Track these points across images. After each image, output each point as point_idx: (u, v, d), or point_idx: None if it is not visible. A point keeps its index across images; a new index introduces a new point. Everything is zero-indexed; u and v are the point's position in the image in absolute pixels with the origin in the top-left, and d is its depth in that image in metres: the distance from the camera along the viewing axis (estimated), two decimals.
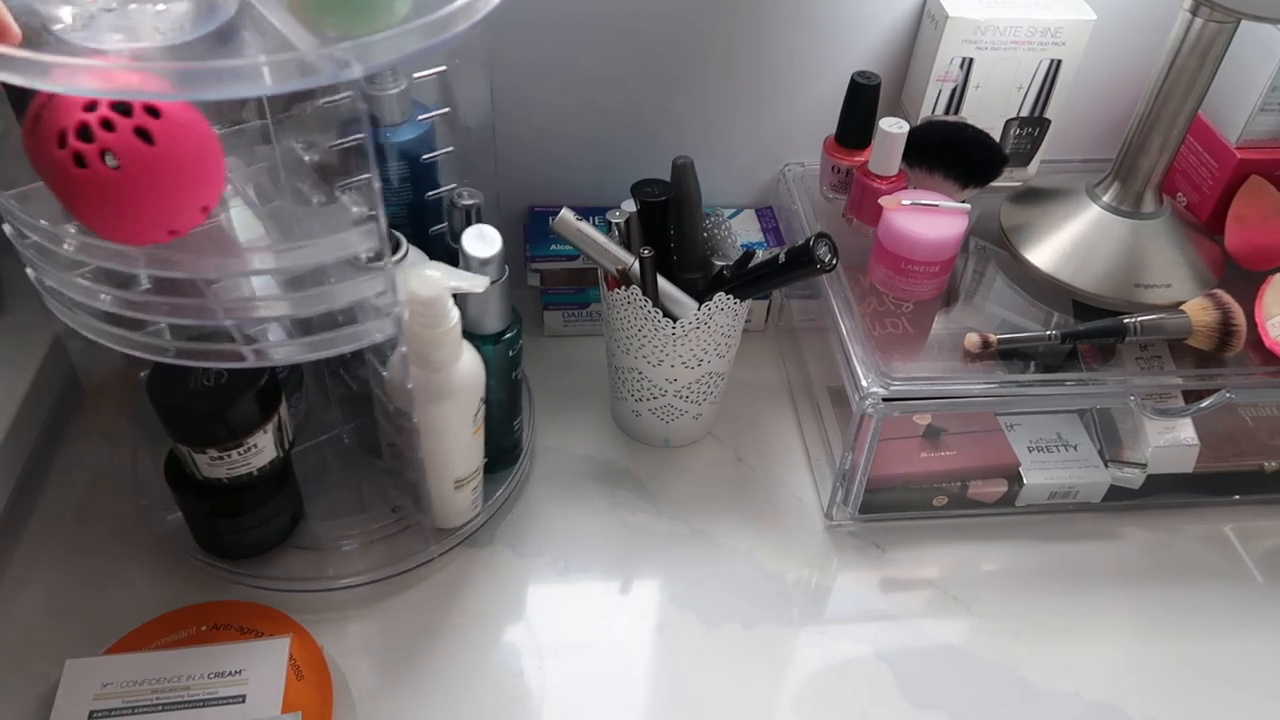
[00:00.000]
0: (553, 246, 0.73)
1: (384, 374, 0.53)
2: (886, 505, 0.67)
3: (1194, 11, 0.59)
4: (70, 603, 0.59)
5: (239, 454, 0.53)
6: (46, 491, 0.65)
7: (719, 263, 0.67)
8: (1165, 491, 0.68)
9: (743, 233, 0.78)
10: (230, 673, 0.53)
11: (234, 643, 0.55)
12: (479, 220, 0.57)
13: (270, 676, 0.53)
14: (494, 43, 0.54)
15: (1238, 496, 0.69)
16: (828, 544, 0.66)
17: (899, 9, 0.71)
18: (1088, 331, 0.64)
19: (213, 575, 0.59)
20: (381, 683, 0.56)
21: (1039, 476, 0.66)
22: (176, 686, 0.52)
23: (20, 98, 0.42)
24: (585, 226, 0.61)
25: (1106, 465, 0.67)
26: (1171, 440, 0.66)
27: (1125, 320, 0.63)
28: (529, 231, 0.76)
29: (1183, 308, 0.64)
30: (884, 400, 0.60)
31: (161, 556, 0.61)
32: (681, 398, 0.67)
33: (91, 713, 0.51)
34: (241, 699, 0.52)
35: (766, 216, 0.80)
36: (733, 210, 0.80)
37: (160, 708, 0.51)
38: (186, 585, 0.59)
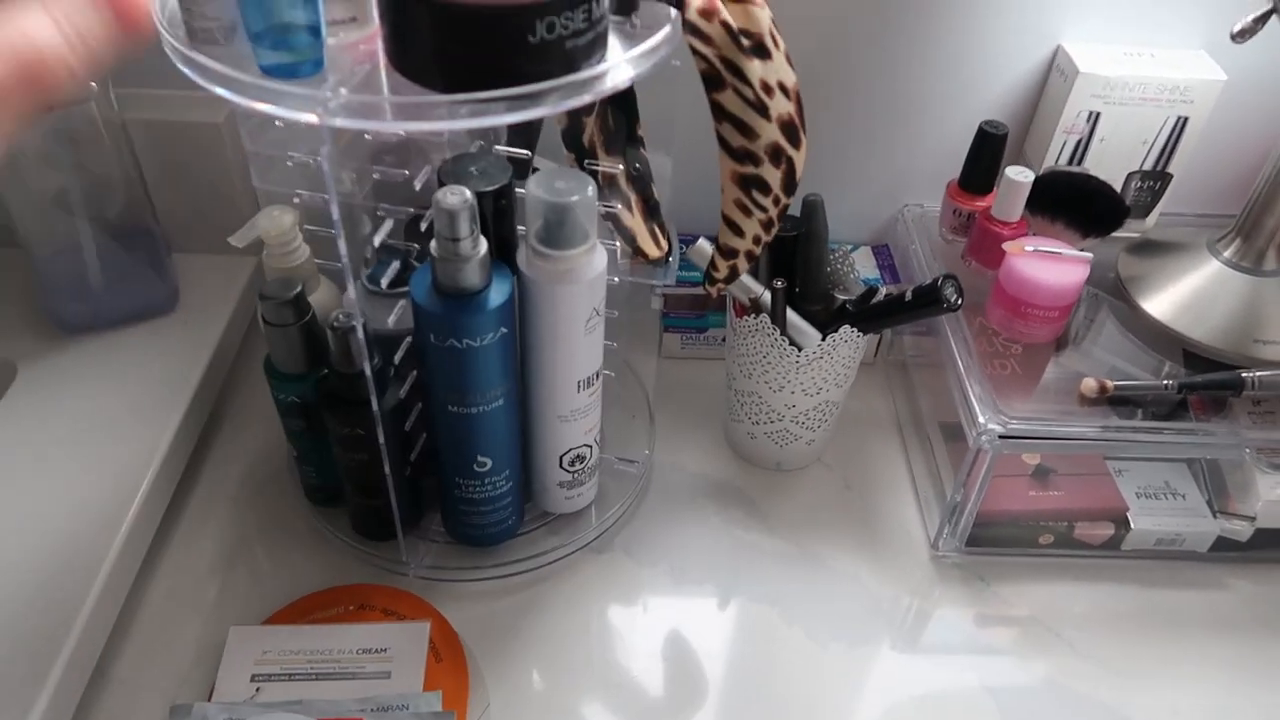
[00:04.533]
0: (679, 272, 0.77)
1: None
2: (993, 540, 0.68)
3: None
4: (231, 570, 0.64)
5: None
6: (211, 472, 0.70)
7: (840, 296, 0.70)
8: (1274, 545, 0.69)
9: (860, 269, 0.80)
10: (376, 650, 0.57)
11: (379, 623, 0.59)
12: None
13: (413, 657, 0.57)
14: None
15: None
16: (933, 573, 0.68)
17: (1029, 61, 0.74)
18: (1205, 383, 0.65)
19: (360, 559, 0.64)
20: (510, 670, 0.60)
21: (1146, 522, 0.68)
22: (328, 659, 0.57)
23: None
24: None
25: (1215, 516, 0.68)
26: None
27: (1243, 374, 0.64)
28: None
29: None
30: (1000, 437, 0.62)
31: (313, 538, 0.66)
32: (797, 423, 0.70)
33: (253, 675, 0.56)
34: (387, 675, 0.56)
35: (883, 254, 0.83)
36: (850, 246, 0.83)
37: (315, 676, 0.56)
38: (335, 566, 0.64)
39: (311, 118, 0.43)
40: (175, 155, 0.72)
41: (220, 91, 0.44)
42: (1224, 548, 0.69)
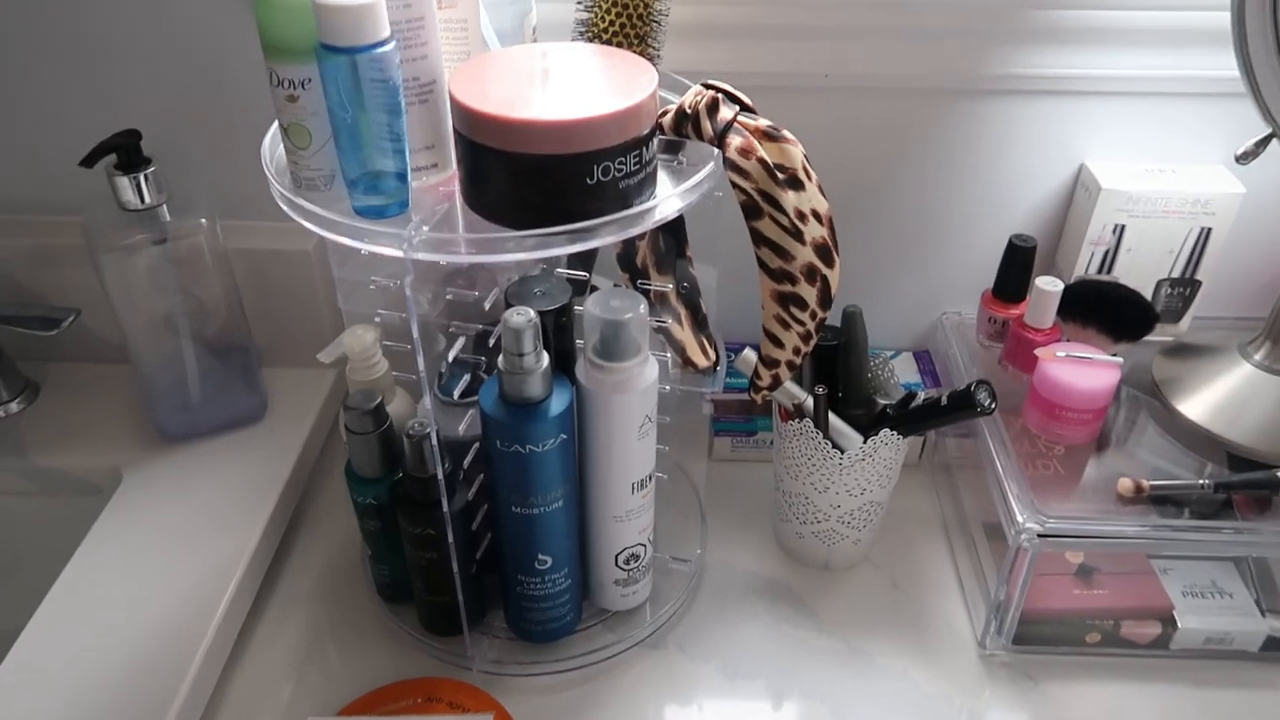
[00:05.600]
0: (727, 379, 0.81)
1: None
2: (1039, 638, 0.70)
3: None
4: (308, 664, 0.68)
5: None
6: (291, 570, 0.75)
7: (881, 401, 0.73)
8: None
9: (902, 374, 0.84)
10: None
11: (445, 715, 0.63)
12: None
13: None
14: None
15: None
16: (981, 672, 0.69)
17: (1055, 178, 0.78)
18: (1242, 483, 0.67)
19: (427, 653, 0.68)
20: None
21: (1193, 621, 0.69)
22: None
23: None
24: None
25: (1264, 615, 0.69)
26: None
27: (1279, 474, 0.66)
28: None
29: None
30: (1039, 536, 0.64)
31: (383, 633, 0.70)
32: (843, 523, 0.73)
33: None
34: None
35: (924, 359, 0.86)
36: (893, 352, 0.87)
37: None
38: (403, 660, 0.68)
39: (397, 253, 0.49)
40: (268, 279, 0.80)
41: (320, 232, 0.50)
42: (1275, 647, 0.69)
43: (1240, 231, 0.76)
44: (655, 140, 0.53)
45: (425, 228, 0.50)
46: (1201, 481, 0.67)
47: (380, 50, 0.47)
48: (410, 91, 0.52)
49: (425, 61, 0.52)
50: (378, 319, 0.64)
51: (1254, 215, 0.76)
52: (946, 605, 0.74)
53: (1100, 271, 0.78)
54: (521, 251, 0.50)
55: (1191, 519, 0.67)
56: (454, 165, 0.54)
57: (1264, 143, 0.59)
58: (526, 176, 0.50)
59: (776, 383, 0.63)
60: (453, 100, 0.50)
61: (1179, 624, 0.68)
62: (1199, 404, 0.72)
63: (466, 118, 0.49)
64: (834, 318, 0.71)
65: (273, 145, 0.56)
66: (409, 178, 0.52)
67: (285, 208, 0.52)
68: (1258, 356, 0.72)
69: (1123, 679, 0.69)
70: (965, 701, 0.67)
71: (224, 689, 0.66)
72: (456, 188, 0.54)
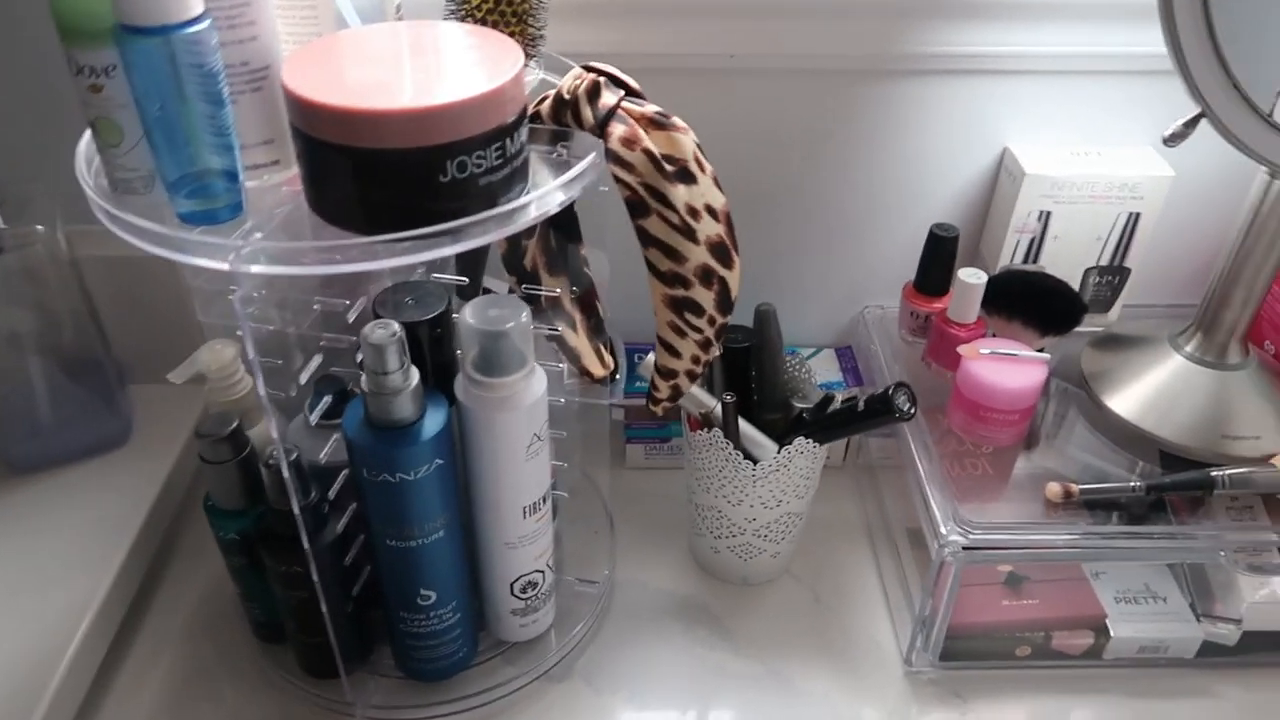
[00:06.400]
0: (637, 383, 0.76)
1: None
2: (968, 653, 0.66)
3: (1272, 175, 0.60)
4: (175, 715, 0.62)
5: None
6: (157, 612, 0.68)
7: (798, 404, 0.69)
8: (1265, 649, 0.66)
9: (822, 372, 0.80)
10: None
11: None
12: None
13: None
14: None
15: None
16: (907, 691, 0.65)
17: (978, 164, 0.74)
18: (1174, 484, 0.63)
19: (299, 696, 0.62)
20: None
21: (1126, 629, 0.65)
22: None
23: None
24: None
25: (1199, 620, 0.66)
26: (1268, 596, 0.64)
27: (1213, 474, 0.63)
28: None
29: (1274, 460, 0.63)
30: (964, 549, 0.60)
31: (260, 678, 0.64)
32: (760, 536, 0.68)
33: None
34: None
35: (846, 356, 0.82)
36: (812, 350, 0.82)
37: None
38: (279, 708, 0.62)
39: (223, 266, 0.43)
40: (129, 289, 0.72)
41: (135, 242, 0.44)
42: (1211, 653, 0.66)
43: (1169, 216, 0.72)
44: (523, 129, 0.47)
45: (258, 235, 0.44)
46: (1133, 484, 0.63)
47: (192, 30, 0.41)
48: (239, 79, 0.45)
49: (256, 44, 0.45)
50: (240, 332, 0.58)
51: (1183, 199, 0.73)
52: (870, 620, 0.70)
53: (1026, 261, 0.74)
54: (369, 260, 0.44)
55: (1123, 522, 0.63)
56: None
57: (1193, 123, 0.55)
58: (371, 175, 0.44)
59: (676, 394, 0.58)
60: (284, 89, 0.44)
61: (1112, 633, 0.65)
62: (1129, 399, 0.68)
63: (300, 109, 0.43)
64: (746, 317, 0.66)
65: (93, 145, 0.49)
66: (241, 177, 0.45)
67: (104, 220, 0.46)
68: (1189, 348, 0.68)
69: (1055, 692, 0.65)
70: None
71: None
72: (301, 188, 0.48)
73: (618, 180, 0.50)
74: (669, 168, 0.49)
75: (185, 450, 0.73)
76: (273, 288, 0.58)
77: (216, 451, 0.56)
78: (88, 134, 0.49)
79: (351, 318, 0.55)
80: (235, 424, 0.56)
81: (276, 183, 0.49)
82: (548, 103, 0.52)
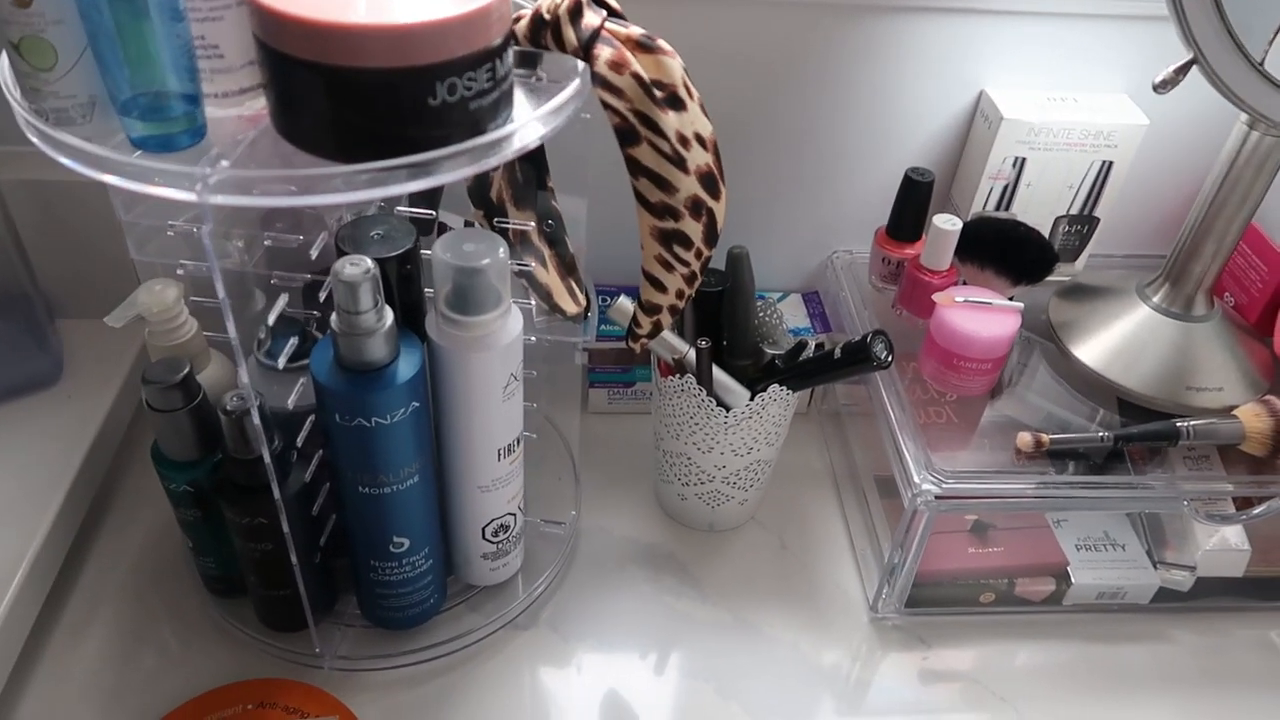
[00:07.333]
0: (601, 327, 0.74)
1: None
2: (933, 600, 0.66)
3: (1251, 125, 0.60)
4: (118, 673, 0.59)
5: None
6: (97, 563, 0.65)
7: (770, 350, 0.67)
8: (1216, 595, 0.68)
9: (790, 317, 0.78)
10: None
11: None
12: None
13: None
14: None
15: None
16: (872, 636, 0.65)
17: (953, 107, 0.73)
18: (1141, 434, 0.64)
19: (259, 650, 0.59)
20: None
21: (1087, 576, 0.66)
22: None
23: None
24: None
25: (1155, 566, 0.67)
26: (1220, 544, 0.66)
27: (1178, 424, 0.63)
28: None
29: (1235, 413, 0.64)
30: (936, 498, 0.60)
31: (215, 632, 0.61)
32: (729, 484, 0.67)
33: None
34: None
35: (813, 302, 0.81)
36: (779, 294, 0.81)
37: None
38: (240, 663, 0.59)
39: (190, 196, 0.39)
40: (58, 217, 0.67)
41: (88, 172, 0.39)
42: (1166, 599, 0.68)
43: (1141, 166, 0.72)
44: (510, 52, 0.44)
45: (224, 163, 0.40)
46: (1101, 434, 0.64)
47: None
48: None
49: None
50: (181, 272, 0.53)
51: (1156, 149, 0.73)
52: (837, 567, 0.69)
53: (999, 208, 0.73)
54: (351, 191, 0.40)
55: (1082, 471, 0.64)
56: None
57: (1184, 69, 0.54)
58: (352, 98, 0.40)
59: (657, 329, 0.56)
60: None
61: (1073, 580, 0.66)
62: (1096, 348, 0.69)
63: (268, 20, 0.39)
64: (718, 259, 0.64)
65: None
66: (201, 100, 0.41)
67: (40, 143, 0.41)
68: (1156, 299, 0.69)
69: (1017, 637, 0.66)
70: (855, 670, 0.63)
71: (13, 707, 0.56)
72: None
73: (606, 106, 0.47)
74: (658, 93, 0.46)
75: (123, 390, 0.68)
76: (218, 221, 0.54)
77: (166, 399, 0.52)
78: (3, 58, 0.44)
79: (314, 254, 0.51)
80: (186, 370, 0.52)
81: (260, 112, 0.44)
82: (523, 22, 0.48)
